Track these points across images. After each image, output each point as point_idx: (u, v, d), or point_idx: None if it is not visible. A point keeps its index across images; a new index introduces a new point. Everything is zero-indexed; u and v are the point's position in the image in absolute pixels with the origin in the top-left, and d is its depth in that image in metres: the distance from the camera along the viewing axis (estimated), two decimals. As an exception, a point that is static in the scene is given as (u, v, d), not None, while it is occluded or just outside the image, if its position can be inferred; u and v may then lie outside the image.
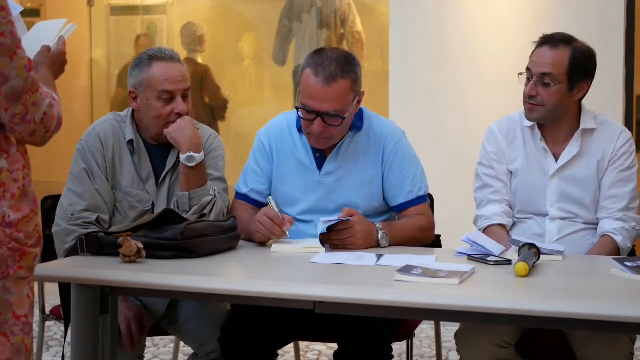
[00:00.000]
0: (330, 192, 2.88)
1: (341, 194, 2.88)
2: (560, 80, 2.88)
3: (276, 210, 2.75)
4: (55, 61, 2.26)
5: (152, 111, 2.86)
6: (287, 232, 2.71)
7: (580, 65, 2.90)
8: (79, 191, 2.84)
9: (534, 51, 2.96)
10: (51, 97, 2.02)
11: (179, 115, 2.85)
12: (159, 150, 2.92)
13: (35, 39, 2.29)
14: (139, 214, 2.87)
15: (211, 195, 2.85)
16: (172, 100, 2.85)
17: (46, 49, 2.24)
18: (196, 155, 2.82)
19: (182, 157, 2.82)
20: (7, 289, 1.95)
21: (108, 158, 2.88)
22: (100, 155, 2.87)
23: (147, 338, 2.93)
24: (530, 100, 2.92)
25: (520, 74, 2.96)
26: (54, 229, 2.83)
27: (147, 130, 2.92)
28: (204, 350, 2.84)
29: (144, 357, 2.89)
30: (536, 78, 2.90)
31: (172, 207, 2.84)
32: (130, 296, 2.78)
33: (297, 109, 2.80)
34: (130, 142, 2.90)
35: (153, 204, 2.90)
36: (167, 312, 2.92)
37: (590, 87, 2.95)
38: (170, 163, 2.93)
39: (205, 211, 2.80)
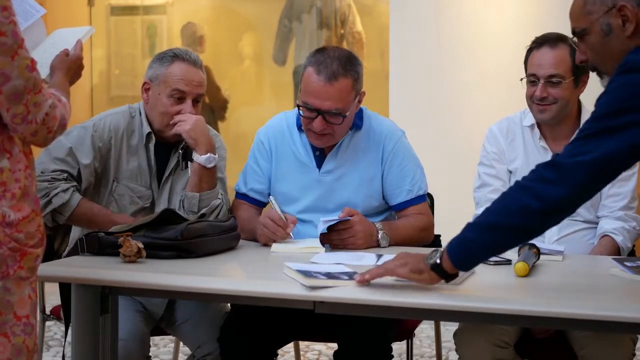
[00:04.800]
0: (329, 191, 2.88)
1: (340, 193, 2.88)
2: (567, 77, 2.90)
3: (278, 210, 2.75)
4: (72, 66, 2.30)
5: (160, 107, 2.88)
6: (291, 234, 2.71)
7: None
8: (58, 156, 2.80)
9: (531, 54, 2.96)
10: (56, 99, 2.01)
11: None
12: (162, 148, 2.93)
13: (54, 44, 2.32)
14: (137, 210, 2.88)
15: (219, 199, 2.86)
16: (182, 101, 2.88)
17: (65, 53, 2.28)
18: (214, 156, 2.84)
19: (201, 157, 2.82)
20: (8, 289, 1.94)
21: (116, 149, 2.87)
22: (105, 147, 2.85)
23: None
24: (541, 101, 2.91)
25: (523, 79, 2.96)
26: None
27: (151, 125, 2.92)
28: (200, 352, 2.84)
29: (150, 357, 2.88)
30: (544, 81, 2.90)
31: (177, 207, 2.84)
32: (129, 296, 2.78)
33: (298, 107, 2.80)
34: (149, 135, 2.90)
35: (153, 203, 2.90)
36: (165, 313, 2.92)
37: (588, 80, 2.96)
38: (173, 162, 2.94)
39: (213, 215, 2.81)
